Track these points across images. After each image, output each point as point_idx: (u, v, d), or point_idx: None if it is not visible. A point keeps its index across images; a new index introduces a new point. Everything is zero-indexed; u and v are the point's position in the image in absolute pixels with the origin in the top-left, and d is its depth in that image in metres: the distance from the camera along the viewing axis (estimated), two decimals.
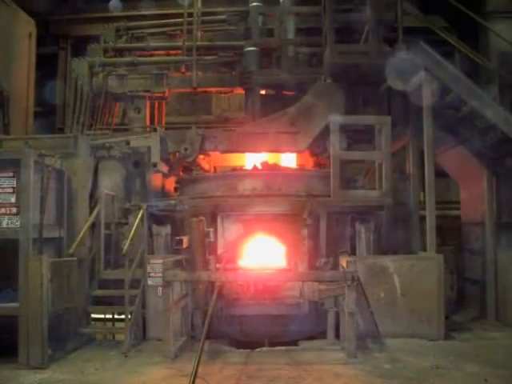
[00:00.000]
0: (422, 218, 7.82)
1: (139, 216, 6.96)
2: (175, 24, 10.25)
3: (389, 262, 6.97)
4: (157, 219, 7.56)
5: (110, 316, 7.85)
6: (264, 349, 6.68)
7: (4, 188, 6.00)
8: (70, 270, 6.43)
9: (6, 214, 5.97)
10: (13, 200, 5.98)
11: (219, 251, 7.33)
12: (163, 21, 10.54)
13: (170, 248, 7.46)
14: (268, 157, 8.71)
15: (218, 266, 7.03)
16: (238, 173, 8.20)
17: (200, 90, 9.69)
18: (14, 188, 5.99)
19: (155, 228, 7.49)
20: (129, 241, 6.57)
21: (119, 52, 9.95)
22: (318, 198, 7.38)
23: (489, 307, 8.08)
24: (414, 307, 6.83)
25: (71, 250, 6.55)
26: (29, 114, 9.52)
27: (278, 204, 7.39)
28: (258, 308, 7.06)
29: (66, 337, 6.60)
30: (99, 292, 7.11)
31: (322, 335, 6.99)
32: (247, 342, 6.99)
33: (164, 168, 8.11)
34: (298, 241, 7.31)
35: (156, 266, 6.91)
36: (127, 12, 11.30)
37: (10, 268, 5.97)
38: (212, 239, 7.24)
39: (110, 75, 9.39)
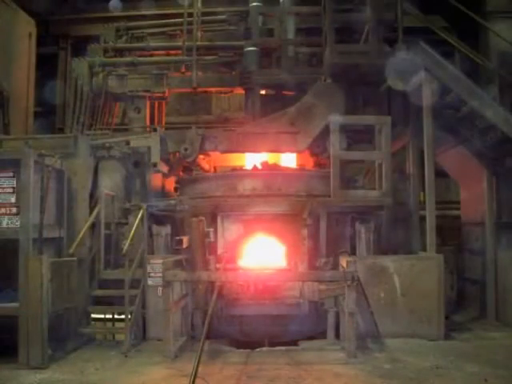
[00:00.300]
0: (422, 218, 7.82)
1: (139, 216, 6.96)
2: (175, 24, 10.25)
3: (389, 261, 6.98)
4: (157, 219, 7.56)
5: (110, 316, 7.85)
6: (264, 349, 6.68)
7: (4, 188, 6.00)
8: (70, 270, 6.43)
9: (5, 214, 5.97)
10: (13, 200, 5.98)
11: (219, 251, 7.33)
12: (163, 21, 10.55)
13: (170, 248, 7.46)
14: (268, 157, 8.71)
15: (218, 265, 7.03)
16: (238, 173, 8.20)
17: (200, 90, 9.69)
18: (14, 188, 5.99)
19: (155, 228, 7.49)
20: (129, 241, 6.57)
21: (119, 52, 9.95)
22: (318, 198, 7.38)
23: (489, 307, 8.08)
24: (414, 307, 6.83)
25: (71, 250, 6.55)
26: (29, 114, 9.52)
27: (278, 204, 7.39)
28: (258, 308, 7.06)
29: (66, 337, 6.60)
30: (99, 292, 7.11)
31: (322, 335, 6.99)
32: (247, 342, 6.99)
33: (164, 168, 8.11)
34: (298, 241, 7.31)
35: (156, 266, 6.91)
36: (127, 12, 11.29)
37: (10, 268, 5.97)
38: (212, 239, 7.24)
39: (110, 75, 9.39)
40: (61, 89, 11.64)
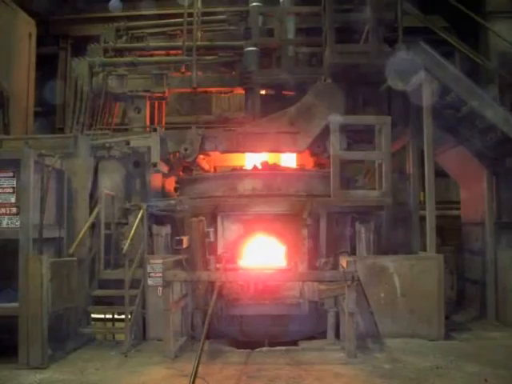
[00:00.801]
0: (422, 218, 7.82)
1: (139, 216, 6.97)
2: (175, 24, 10.23)
3: (389, 262, 6.97)
4: (157, 219, 7.56)
5: (110, 316, 7.85)
6: (264, 349, 6.68)
7: (4, 188, 6.00)
8: (70, 270, 6.43)
9: (6, 214, 5.97)
10: (13, 200, 5.98)
11: (219, 251, 7.33)
12: (163, 21, 10.53)
13: (169, 248, 7.46)
14: (268, 157, 8.71)
15: (217, 265, 7.03)
16: (237, 173, 8.19)
17: (200, 90, 9.68)
18: (13, 188, 5.99)
19: (155, 228, 7.49)
20: (129, 241, 6.57)
21: (119, 52, 9.92)
22: (318, 198, 7.37)
23: (489, 307, 8.08)
24: (414, 307, 6.83)
25: (71, 250, 6.55)
26: (29, 114, 9.52)
27: (278, 204, 7.39)
28: (258, 308, 7.06)
29: (65, 337, 6.61)
30: (99, 292, 7.11)
31: (322, 335, 6.99)
32: (247, 342, 6.98)
33: (164, 168, 8.11)
34: (298, 241, 7.31)
35: (156, 266, 6.91)
36: (127, 12, 11.29)
37: (10, 268, 5.97)
38: (212, 239, 7.24)
39: (110, 75, 9.38)
40: (61, 89, 11.64)
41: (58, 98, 11.65)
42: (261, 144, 8.21)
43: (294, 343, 6.94)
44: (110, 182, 7.77)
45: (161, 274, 6.42)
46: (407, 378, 5.30)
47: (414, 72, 7.32)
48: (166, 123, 10.26)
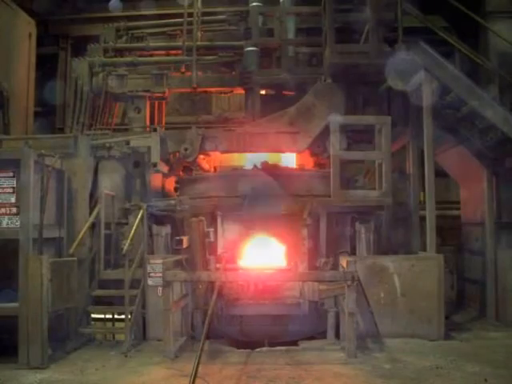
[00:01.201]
0: (422, 218, 7.82)
1: (139, 216, 6.97)
2: (175, 24, 10.23)
3: (389, 262, 6.98)
4: (157, 219, 7.56)
5: (110, 316, 7.85)
6: (264, 349, 6.68)
7: (4, 188, 6.00)
8: (70, 270, 6.43)
9: (5, 214, 5.97)
10: (13, 200, 5.98)
11: (219, 251, 7.33)
12: (163, 21, 10.53)
13: (169, 248, 7.46)
14: (268, 157, 8.70)
15: (217, 265, 7.03)
16: (238, 173, 8.20)
17: (200, 90, 9.67)
18: (13, 188, 5.99)
19: (155, 228, 7.49)
20: (129, 241, 6.58)
21: (119, 52, 9.93)
22: (318, 198, 7.37)
23: (489, 307, 8.08)
24: (414, 307, 6.83)
25: (71, 250, 6.56)
26: (29, 114, 9.52)
27: (278, 204, 7.39)
28: (258, 308, 7.06)
29: (65, 337, 6.61)
30: (99, 292, 7.11)
31: (322, 335, 6.99)
32: (247, 342, 6.98)
33: (164, 168, 8.11)
34: (298, 241, 7.31)
35: (156, 266, 6.90)
36: (127, 12, 11.29)
37: (10, 268, 5.97)
38: (212, 239, 7.24)
39: (109, 75, 9.37)
40: (61, 89, 11.64)
41: (58, 98, 11.64)
42: (261, 144, 8.21)
43: (294, 343, 6.94)
44: (110, 182, 7.78)
45: (161, 274, 6.41)
46: (407, 377, 5.30)
47: (414, 72, 7.32)
48: (166, 123, 10.26)
